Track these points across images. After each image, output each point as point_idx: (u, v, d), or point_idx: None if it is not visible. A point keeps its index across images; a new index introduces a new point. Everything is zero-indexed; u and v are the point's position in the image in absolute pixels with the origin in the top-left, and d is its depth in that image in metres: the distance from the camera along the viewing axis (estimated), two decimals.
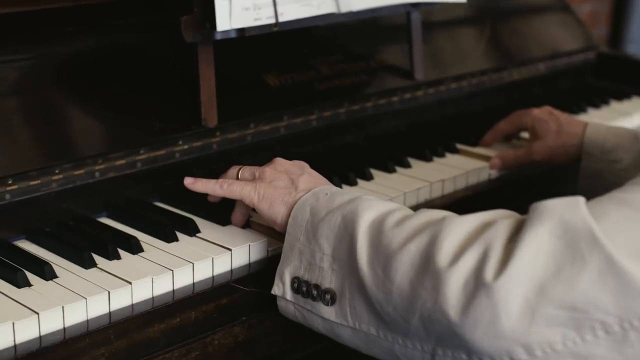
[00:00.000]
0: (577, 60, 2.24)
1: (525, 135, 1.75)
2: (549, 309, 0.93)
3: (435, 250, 0.99)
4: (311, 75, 1.62)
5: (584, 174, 1.59)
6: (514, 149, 1.70)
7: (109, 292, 1.10)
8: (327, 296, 1.11)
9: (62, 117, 1.30)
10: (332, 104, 1.64)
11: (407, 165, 1.59)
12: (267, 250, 1.26)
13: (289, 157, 1.32)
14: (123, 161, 1.34)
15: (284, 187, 1.22)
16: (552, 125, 1.63)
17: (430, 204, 1.50)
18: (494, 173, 1.64)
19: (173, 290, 1.16)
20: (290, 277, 1.15)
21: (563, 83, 2.20)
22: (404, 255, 1.02)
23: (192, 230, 1.28)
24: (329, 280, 1.11)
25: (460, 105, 1.92)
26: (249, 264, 1.24)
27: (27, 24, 1.31)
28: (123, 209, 1.34)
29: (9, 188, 1.22)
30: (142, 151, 1.36)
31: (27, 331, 1.03)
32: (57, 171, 1.26)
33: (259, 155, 1.50)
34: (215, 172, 1.40)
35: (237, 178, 1.29)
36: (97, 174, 1.31)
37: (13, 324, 1.02)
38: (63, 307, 1.06)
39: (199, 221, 1.31)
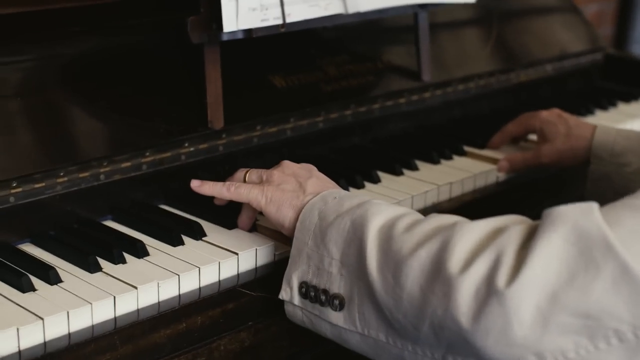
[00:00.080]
0: (585, 61, 2.23)
1: (533, 137, 1.74)
2: (562, 316, 0.92)
3: (447, 257, 0.98)
4: (318, 76, 1.60)
5: (593, 177, 1.57)
6: (522, 151, 1.69)
7: (114, 297, 1.09)
8: (336, 301, 1.10)
9: (66, 118, 1.29)
10: (339, 106, 1.62)
11: (414, 168, 1.58)
12: (274, 255, 1.25)
13: (295, 160, 1.30)
14: (128, 163, 1.33)
15: (292, 190, 1.21)
16: (561, 128, 1.61)
17: (437, 207, 1.49)
18: (501, 176, 1.62)
19: (179, 295, 1.15)
20: (298, 282, 1.14)
21: (570, 84, 2.19)
22: (414, 261, 1.01)
23: (198, 233, 1.27)
24: (337, 285, 1.10)
25: (467, 107, 1.91)
26: (256, 268, 1.23)
27: (32, 25, 1.30)
28: (128, 212, 1.33)
29: (13, 191, 1.21)
30: (147, 153, 1.35)
31: (32, 337, 1.02)
32: (62, 174, 1.25)
33: (265, 157, 1.49)
34: (221, 174, 1.39)
35: (244, 181, 1.27)
36: (102, 176, 1.30)
37: (17, 329, 1.00)
38: (68, 312, 1.04)
39: (205, 224, 1.30)
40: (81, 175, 1.28)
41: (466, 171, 1.59)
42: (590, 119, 1.94)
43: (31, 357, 0.99)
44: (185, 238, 1.25)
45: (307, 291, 1.13)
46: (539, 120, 1.66)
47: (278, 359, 1.24)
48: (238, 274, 1.21)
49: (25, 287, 1.10)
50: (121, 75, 1.38)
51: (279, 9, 1.40)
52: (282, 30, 1.42)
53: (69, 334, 1.04)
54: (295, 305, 1.15)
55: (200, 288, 1.17)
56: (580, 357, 0.93)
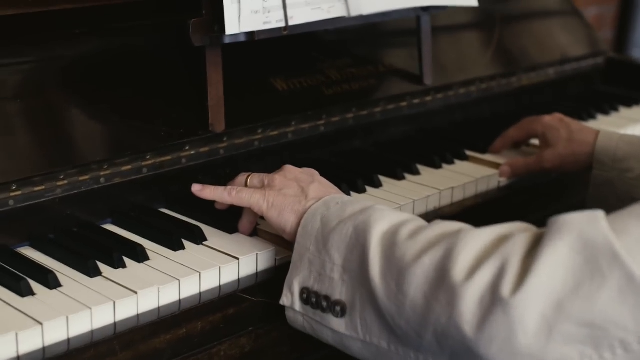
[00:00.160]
0: (586, 65, 2.22)
1: (534, 142, 1.73)
2: (567, 326, 0.91)
3: (451, 264, 0.97)
4: (319, 79, 1.60)
5: (595, 182, 1.57)
6: (524, 156, 1.68)
7: (114, 302, 1.07)
8: (337, 308, 1.09)
9: (67, 121, 1.28)
10: (341, 109, 1.62)
11: (416, 173, 1.57)
12: (275, 260, 1.24)
13: (297, 163, 1.30)
14: (129, 167, 1.32)
15: (294, 195, 1.20)
16: (563, 133, 1.61)
17: (439, 212, 1.48)
18: (503, 181, 1.62)
19: (179, 300, 1.14)
20: (300, 288, 1.13)
21: (572, 89, 2.18)
22: (418, 269, 1.00)
23: (198, 238, 1.26)
24: (339, 291, 1.09)
25: (468, 111, 1.90)
26: (257, 273, 1.22)
27: (32, 26, 1.29)
28: (128, 215, 1.32)
29: (12, 194, 1.20)
30: (148, 156, 1.34)
31: (31, 342, 1.01)
32: (61, 177, 1.24)
33: (266, 161, 1.48)
34: (221, 178, 1.38)
35: (246, 185, 1.27)
36: (102, 179, 1.29)
37: (16, 334, 0.99)
38: (67, 317, 1.03)
39: (206, 229, 1.29)
40: (81, 178, 1.27)
41: (468, 176, 1.58)
42: (591, 124, 1.94)
43: None
44: (185, 242, 1.24)
45: (309, 297, 1.12)
46: (541, 125, 1.65)
47: None
48: (239, 279, 1.20)
49: (24, 292, 1.08)
50: (122, 77, 1.37)
51: (282, 12, 1.39)
52: (285, 33, 1.41)
53: (69, 340, 1.03)
54: (296, 311, 1.14)
55: (200, 293, 1.16)
56: None
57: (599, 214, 0.93)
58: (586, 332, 0.91)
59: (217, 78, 1.39)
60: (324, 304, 1.10)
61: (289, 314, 1.16)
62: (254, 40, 1.38)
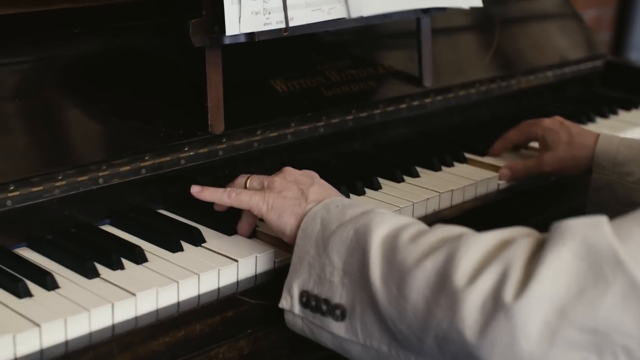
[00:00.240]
0: (585, 68, 2.22)
1: (534, 145, 1.73)
2: (570, 332, 0.90)
3: (452, 269, 0.96)
4: (319, 81, 1.59)
5: (595, 185, 1.56)
6: (523, 159, 1.68)
7: (112, 304, 1.07)
8: (337, 311, 1.08)
9: (65, 121, 1.27)
10: (340, 111, 1.61)
11: (415, 175, 1.57)
12: (274, 262, 1.23)
13: (296, 165, 1.29)
14: (127, 167, 1.31)
15: (294, 197, 1.19)
16: (563, 136, 1.60)
17: (438, 215, 1.47)
18: (503, 183, 1.61)
19: (178, 302, 1.13)
20: (299, 291, 1.13)
21: (571, 91, 2.18)
22: (419, 273, 0.99)
23: (197, 239, 1.25)
24: (339, 295, 1.09)
25: (468, 113, 1.90)
26: (256, 276, 1.22)
27: (31, 26, 1.28)
28: (127, 216, 1.31)
29: (10, 194, 1.19)
30: (147, 157, 1.33)
31: (28, 344, 1.00)
32: (60, 177, 1.24)
33: (265, 162, 1.48)
34: (220, 179, 1.38)
35: (245, 187, 1.26)
36: (100, 180, 1.28)
37: (14, 336, 0.99)
38: (65, 319, 1.03)
39: (205, 230, 1.28)
40: (79, 179, 1.26)
41: (467, 178, 1.57)
42: (590, 127, 1.93)
43: None
44: (184, 244, 1.24)
45: (308, 300, 1.11)
46: (541, 128, 1.65)
47: None
48: (237, 281, 1.20)
49: (22, 293, 1.08)
50: (121, 77, 1.36)
51: (282, 13, 1.39)
52: (285, 34, 1.40)
53: (66, 342, 1.02)
54: (295, 314, 1.14)
55: (199, 295, 1.15)
56: None
57: (603, 219, 0.93)
58: (589, 338, 0.90)
59: (217, 79, 1.38)
60: (324, 307, 1.10)
61: (288, 317, 1.15)
62: (254, 41, 1.38)
